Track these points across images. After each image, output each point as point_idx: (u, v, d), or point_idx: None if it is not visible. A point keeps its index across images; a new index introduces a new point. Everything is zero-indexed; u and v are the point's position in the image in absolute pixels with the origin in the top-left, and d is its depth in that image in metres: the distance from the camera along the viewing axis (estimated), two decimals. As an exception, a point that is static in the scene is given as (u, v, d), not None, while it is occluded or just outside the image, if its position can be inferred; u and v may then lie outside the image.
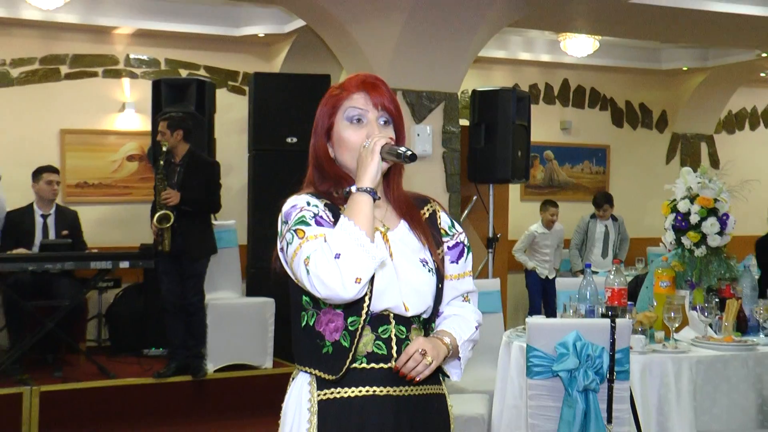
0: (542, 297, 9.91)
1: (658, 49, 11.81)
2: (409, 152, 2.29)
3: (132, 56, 9.72)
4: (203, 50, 9.96)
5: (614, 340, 3.83)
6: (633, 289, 5.29)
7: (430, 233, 2.43)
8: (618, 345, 3.84)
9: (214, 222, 7.44)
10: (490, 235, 8.26)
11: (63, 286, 7.55)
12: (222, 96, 9.43)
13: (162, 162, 6.88)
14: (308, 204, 2.32)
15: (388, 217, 2.44)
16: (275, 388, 7.22)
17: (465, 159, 8.13)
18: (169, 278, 7.05)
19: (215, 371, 7.29)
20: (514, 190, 10.61)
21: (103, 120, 9.61)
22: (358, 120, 2.37)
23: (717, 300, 4.84)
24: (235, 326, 7.47)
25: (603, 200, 9.97)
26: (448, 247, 2.48)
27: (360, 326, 2.29)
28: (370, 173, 2.26)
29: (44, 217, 7.84)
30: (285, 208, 2.34)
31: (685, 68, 12.03)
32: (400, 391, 2.33)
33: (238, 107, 9.65)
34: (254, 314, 7.60)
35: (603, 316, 4.38)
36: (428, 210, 2.52)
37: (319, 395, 2.33)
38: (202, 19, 9.59)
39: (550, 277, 9.68)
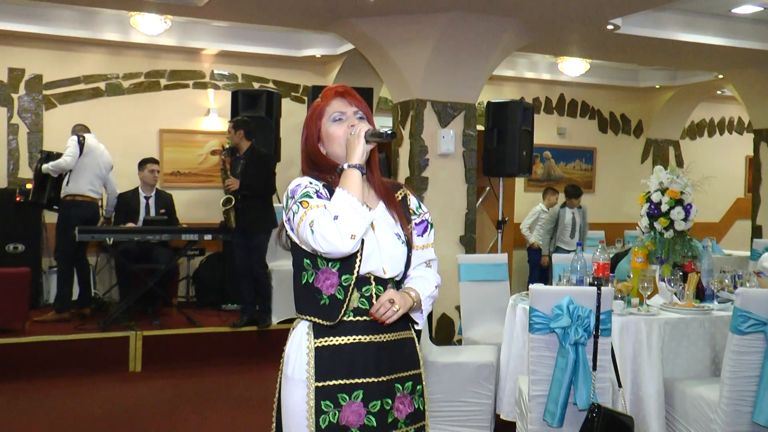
0: (540, 269, 9.88)
1: (636, 70, 11.71)
2: (390, 131, 2.35)
3: (216, 72, 9.77)
4: (272, 67, 9.98)
5: (599, 304, 3.82)
6: (614, 264, 5.29)
7: (402, 212, 2.48)
8: (602, 308, 3.82)
9: (276, 204, 7.37)
10: (500, 218, 8.26)
11: (160, 253, 7.69)
12: (286, 104, 9.44)
13: (226, 157, 7.04)
14: (310, 183, 2.38)
15: (369, 197, 2.44)
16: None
17: (480, 157, 8.11)
18: (240, 250, 7.08)
19: (278, 323, 7.31)
20: (519, 182, 10.57)
21: (192, 122, 9.68)
22: (340, 119, 2.42)
23: (681, 273, 4.81)
24: (285, 291, 7.33)
25: (577, 192, 9.84)
26: (416, 224, 2.52)
27: (352, 282, 2.34)
28: (358, 153, 2.32)
29: (146, 198, 7.93)
30: (291, 186, 2.39)
31: (657, 86, 11.93)
32: (379, 338, 2.40)
33: (298, 113, 9.61)
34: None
35: (590, 284, 4.36)
36: (401, 194, 2.55)
37: (315, 342, 2.36)
38: (271, 42, 9.61)
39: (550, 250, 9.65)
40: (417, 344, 2.54)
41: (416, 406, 2.47)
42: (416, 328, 2.55)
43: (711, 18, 8.44)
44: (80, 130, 7.59)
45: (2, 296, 6.65)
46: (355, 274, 2.34)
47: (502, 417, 4.87)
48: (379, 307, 2.32)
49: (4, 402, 5.71)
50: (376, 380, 2.36)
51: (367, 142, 2.33)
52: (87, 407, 5.62)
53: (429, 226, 2.56)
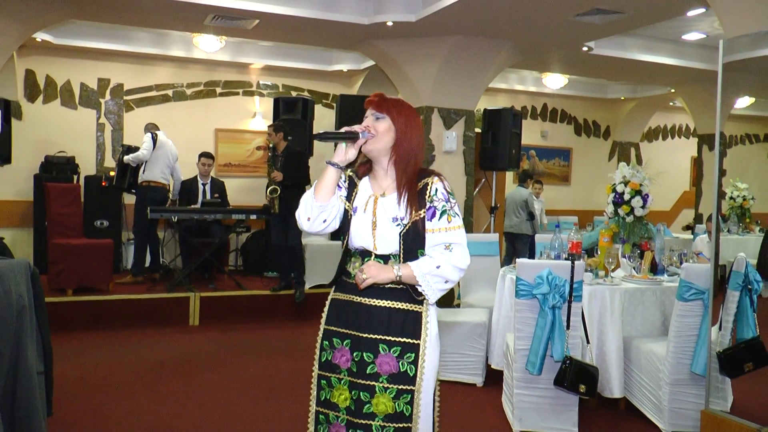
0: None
1: (605, 84, 11.65)
2: (344, 131, 2.27)
3: (261, 82, 9.78)
4: (307, 79, 9.98)
5: (573, 275, 3.84)
6: (586, 243, 5.31)
7: (414, 200, 2.27)
8: (575, 278, 3.85)
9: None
10: (493, 204, 8.27)
11: (215, 230, 7.71)
12: (318, 109, 9.48)
13: (270, 154, 7.00)
14: (344, 175, 2.41)
15: (389, 186, 2.33)
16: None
17: (478, 154, 8.11)
18: (277, 230, 7.03)
19: (310, 288, 7.30)
20: (509, 175, 10.53)
21: (241, 123, 9.70)
22: (363, 120, 2.37)
23: (639, 251, 4.83)
24: (324, 260, 7.47)
25: (530, 178, 9.73)
26: (426, 210, 2.27)
27: (342, 252, 2.38)
28: (336, 151, 2.29)
29: (204, 185, 7.98)
30: None
31: (622, 98, 11.88)
32: (367, 301, 2.30)
33: (328, 117, 9.65)
34: (335, 252, 7.42)
35: (566, 259, 4.35)
36: (423, 183, 2.30)
37: (332, 295, 2.44)
38: (307, 59, 9.61)
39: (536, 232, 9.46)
40: (422, 318, 2.30)
41: (402, 370, 2.26)
42: (427, 301, 2.30)
43: (665, 42, 8.45)
44: (152, 128, 7.64)
45: (91, 262, 6.74)
46: (344, 246, 2.37)
47: (492, 366, 4.90)
48: (356, 274, 2.28)
49: (93, 346, 5.80)
50: (361, 335, 2.30)
51: (320, 139, 2.28)
52: (156, 352, 5.70)
53: (438, 212, 2.27)
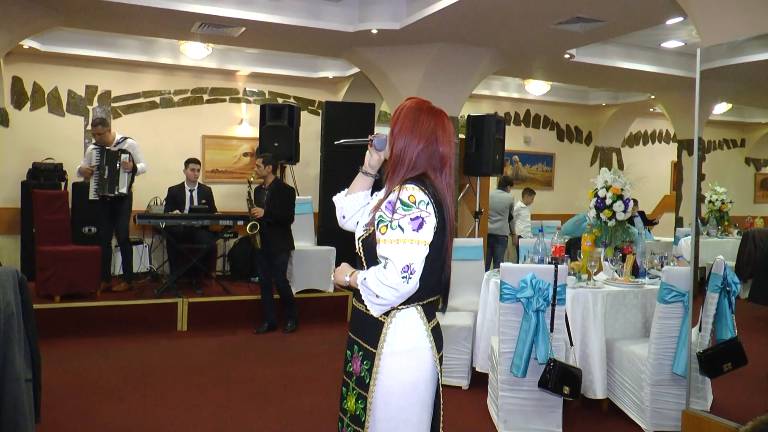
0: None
1: (587, 91, 11.73)
2: (346, 141, 2.39)
3: (248, 89, 9.74)
4: (293, 86, 9.94)
5: (556, 279, 3.86)
6: (569, 247, 5.32)
7: (377, 208, 2.10)
8: (558, 282, 3.87)
9: (299, 197, 7.26)
10: (477, 209, 8.29)
11: (202, 236, 7.61)
12: (304, 116, 9.44)
13: (252, 188, 6.58)
14: None
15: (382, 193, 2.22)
16: (335, 305, 7.41)
17: (462, 159, 8.14)
18: (262, 266, 6.62)
19: (297, 293, 7.20)
20: (493, 181, 10.57)
21: (228, 129, 9.64)
22: None
23: (620, 255, 4.86)
24: (310, 264, 7.43)
25: (510, 184, 9.77)
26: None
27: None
28: (365, 159, 2.33)
29: (191, 191, 7.87)
30: None
31: (603, 104, 11.95)
32: (355, 302, 2.26)
33: (314, 123, 9.63)
34: (322, 256, 7.54)
35: (549, 263, 4.41)
36: (391, 191, 2.10)
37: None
38: (292, 66, 9.59)
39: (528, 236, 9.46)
40: (382, 327, 2.14)
41: (361, 375, 2.18)
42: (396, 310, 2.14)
43: (645, 50, 8.53)
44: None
45: (79, 269, 6.67)
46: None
47: (477, 369, 4.92)
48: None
49: (81, 352, 5.76)
50: (349, 333, 2.29)
51: (341, 146, 2.39)
52: (144, 358, 5.67)
53: (374, 221, 2.10)
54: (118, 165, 6.87)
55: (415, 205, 2.04)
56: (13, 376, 2.75)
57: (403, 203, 2.04)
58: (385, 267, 2.02)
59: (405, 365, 2.13)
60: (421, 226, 2.03)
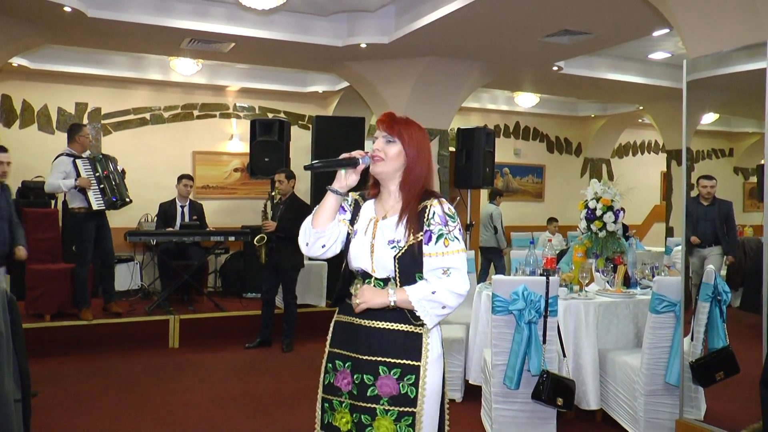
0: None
1: (576, 102, 11.81)
2: (341, 158, 2.20)
3: (238, 104, 9.78)
4: (283, 101, 9.99)
5: (548, 290, 3.86)
6: (559, 258, 5.33)
7: (413, 223, 2.17)
8: (550, 294, 3.87)
9: None
10: (468, 222, 8.30)
11: (193, 252, 7.62)
12: (294, 130, 9.43)
13: (270, 202, 6.47)
14: (352, 197, 2.36)
15: (393, 208, 2.26)
16: (326, 319, 7.34)
17: (452, 172, 8.17)
18: (268, 281, 6.48)
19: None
20: (484, 193, 10.63)
21: (219, 145, 9.67)
22: (374, 140, 2.27)
23: (612, 265, 4.86)
24: (302, 280, 7.25)
25: (499, 195, 9.81)
26: (423, 233, 2.16)
27: (342, 273, 2.32)
28: (336, 179, 2.23)
29: (182, 207, 7.86)
30: None
31: (593, 115, 12.05)
32: (366, 323, 2.23)
33: (304, 138, 9.62)
34: (315, 272, 7.54)
35: (541, 275, 4.39)
36: (422, 206, 2.19)
37: (336, 317, 2.38)
38: (282, 80, 9.63)
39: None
40: (422, 339, 2.20)
41: (403, 392, 2.18)
42: (425, 324, 2.18)
43: (633, 62, 8.60)
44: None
45: (69, 287, 6.62)
46: (343, 268, 2.32)
47: (470, 381, 4.89)
48: (353, 298, 2.23)
49: (72, 371, 5.70)
50: (361, 357, 2.23)
51: (312, 170, 2.20)
52: (137, 373, 5.62)
53: (434, 236, 2.15)
54: (120, 168, 6.83)
55: (456, 217, 2.22)
56: (3, 396, 2.72)
57: (449, 216, 2.20)
58: (449, 276, 2.14)
59: (439, 372, 2.24)
60: (462, 235, 2.24)
